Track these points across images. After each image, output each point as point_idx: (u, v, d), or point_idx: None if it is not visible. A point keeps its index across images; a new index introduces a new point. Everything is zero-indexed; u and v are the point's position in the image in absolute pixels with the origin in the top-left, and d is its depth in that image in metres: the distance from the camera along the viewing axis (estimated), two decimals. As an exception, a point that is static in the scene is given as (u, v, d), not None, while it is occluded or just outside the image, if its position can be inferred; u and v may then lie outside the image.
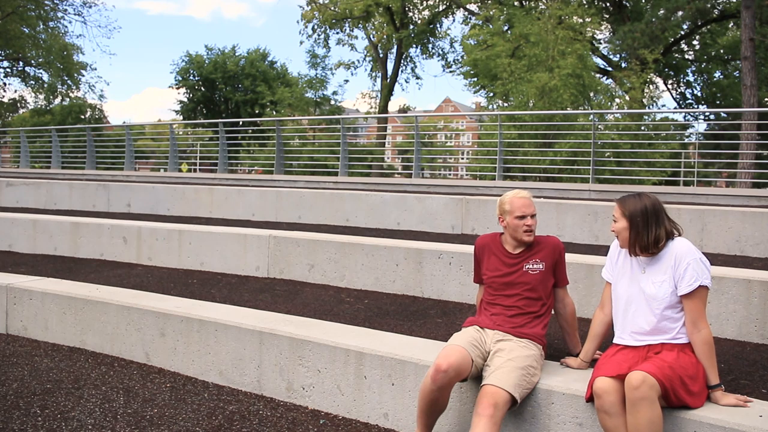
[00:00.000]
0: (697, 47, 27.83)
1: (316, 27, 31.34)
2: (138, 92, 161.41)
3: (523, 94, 20.05)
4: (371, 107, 33.16)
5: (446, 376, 2.92)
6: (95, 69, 61.17)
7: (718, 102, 27.60)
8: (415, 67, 33.09)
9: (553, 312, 3.45)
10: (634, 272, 3.02)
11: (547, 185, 11.54)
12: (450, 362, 2.94)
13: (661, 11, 21.70)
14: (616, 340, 3.03)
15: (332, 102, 34.99)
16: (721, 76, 28.34)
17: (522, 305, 3.28)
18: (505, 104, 22.74)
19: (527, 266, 3.35)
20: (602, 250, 5.97)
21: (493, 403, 2.83)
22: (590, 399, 2.81)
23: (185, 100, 46.87)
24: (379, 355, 3.42)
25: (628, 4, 25.63)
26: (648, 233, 2.93)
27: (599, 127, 14.82)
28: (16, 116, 41.28)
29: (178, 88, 46.56)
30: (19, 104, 36.88)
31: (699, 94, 29.35)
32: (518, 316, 3.26)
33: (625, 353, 2.88)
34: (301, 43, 53.03)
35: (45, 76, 33.39)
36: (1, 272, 5.82)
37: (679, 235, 2.99)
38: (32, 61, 32.11)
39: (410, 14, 30.91)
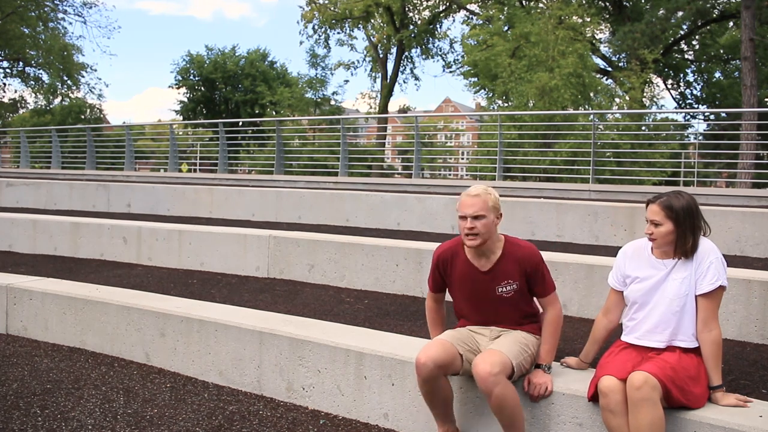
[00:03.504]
0: (697, 47, 27.86)
1: (316, 27, 31.38)
2: (139, 92, 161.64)
3: (523, 94, 20.06)
4: (371, 107, 33.16)
5: (426, 368, 2.89)
6: (95, 70, 61.07)
7: (718, 102, 27.62)
8: (415, 67, 33.20)
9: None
10: (655, 274, 2.90)
11: (547, 185, 11.54)
12: (429, 354, 2.91)
13: (661, 11, 21.76)
14: (624, 338, 2.95)
15: (332, 102, 35.01)
16: (721, 76, 28.38)
17: (507, 324, 3.15)
18: (505, 104, 22.76)
19: (500, 289, 3.07)
20: (602, 250, 5.99)
21: (490, 361, 2.80)
22: (592, 398, 2.80)
23: (185, 100, 46.91)
24: (379, 355, 3.42)
25: (628, 4, 25.65)
26: (694, 235, 2.83)
27: (599, 127, 14.82)
28: (16, 116, 41.31)
29: (178, 88, 46.62)
30: (19, 104, 36.87)
31: (699, 94, 29.38)
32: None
33: (629, 352, 2.86)
34: (302, 43, 53.09)
35: (45, 77, 33.45)
36: (1, 272, 5.81)
37: (703, 233, 2.91)
38: (32, 62, 32.11)
39: (410, 14, 30.93)
